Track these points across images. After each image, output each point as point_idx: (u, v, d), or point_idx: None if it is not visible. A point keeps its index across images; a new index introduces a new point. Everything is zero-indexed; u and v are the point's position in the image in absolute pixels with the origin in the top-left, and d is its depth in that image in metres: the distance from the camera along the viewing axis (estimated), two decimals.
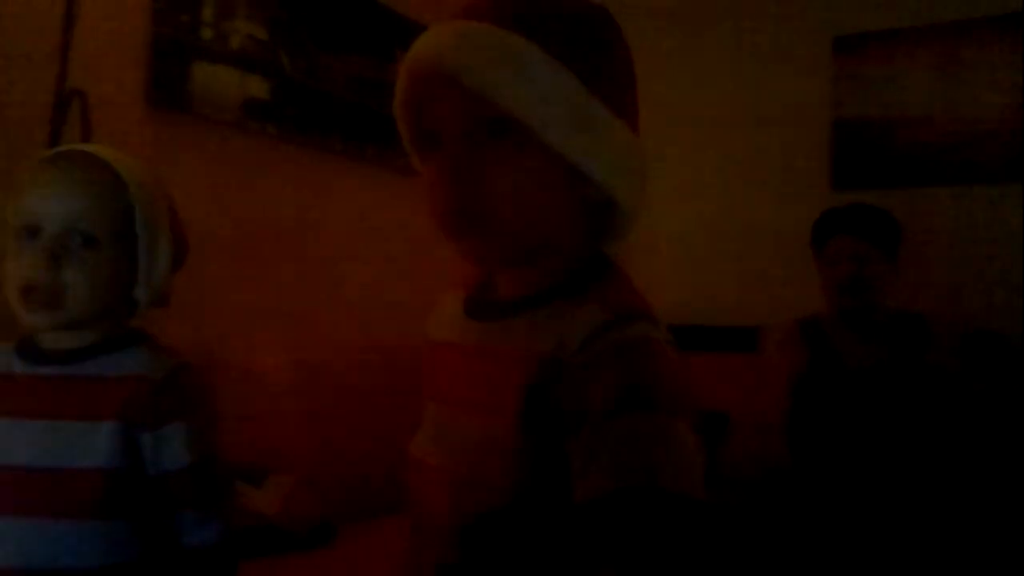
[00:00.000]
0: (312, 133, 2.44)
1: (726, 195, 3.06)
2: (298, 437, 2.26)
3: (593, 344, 0.74)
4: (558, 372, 0.75)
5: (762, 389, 2.29)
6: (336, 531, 2.07)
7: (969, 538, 1.94)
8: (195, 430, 1.05)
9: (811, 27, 2.94)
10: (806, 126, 2.94)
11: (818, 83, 2.93)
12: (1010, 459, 2.07)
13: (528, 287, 0.84)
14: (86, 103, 1.73)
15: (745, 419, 2.37)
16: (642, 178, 0.84)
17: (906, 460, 2.05)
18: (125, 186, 1.05)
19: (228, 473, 1.12)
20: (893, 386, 2.13)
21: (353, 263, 2.54)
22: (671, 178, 3.04)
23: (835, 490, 2.08)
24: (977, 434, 2.11)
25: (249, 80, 2.26)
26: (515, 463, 0.76)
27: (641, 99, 0.87)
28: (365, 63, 2.59)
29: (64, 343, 1.06)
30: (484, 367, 0.83)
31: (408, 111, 0.84)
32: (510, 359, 0.79)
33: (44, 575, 0.98)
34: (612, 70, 0.82)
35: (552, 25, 0.79)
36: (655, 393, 0.72)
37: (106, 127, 1.79)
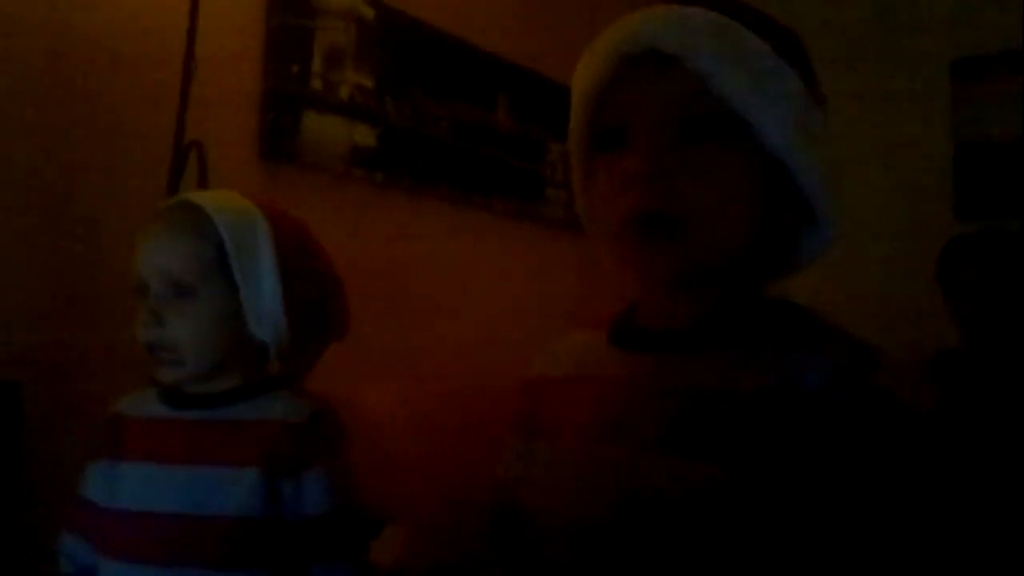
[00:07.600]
0: (418, 179, 2.45)
1: (844, 228, 2.93)
2: (413, 487, 2.23)
3: (840, 386, 0.67)
4: (795, 407, 0.66)
5: None
6: None
7: None
8: (335, 476, 1.02)
9: (926, 51, 2.82)
10: (926, 153, 2.80)
11: (937, 108, 2.79)
12: None
13: (689, 316, 0.76)
14: (204, 154, 1.76)
15: None
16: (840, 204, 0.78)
17: None
18: (214, 226, 1.02)
19: (368, 524, 1.07)
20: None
21: (459, 307, 2.52)
22: None
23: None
24: None
25: (356, 128, 2.28)
26: (718, 511, 0.65)
27: None
28: (469, 109, 2.60)
29: (205, 387, 1.05)
30: (667, 401, 0.72)
31: (590, 101, 0.76)
32: (716, 393, 0.70)
33: None
34: (818, 85, 0.78)
35: (772, 28, 0.75)
36: (911, 463, 0.67)
37: (220, 177, 1.81)
